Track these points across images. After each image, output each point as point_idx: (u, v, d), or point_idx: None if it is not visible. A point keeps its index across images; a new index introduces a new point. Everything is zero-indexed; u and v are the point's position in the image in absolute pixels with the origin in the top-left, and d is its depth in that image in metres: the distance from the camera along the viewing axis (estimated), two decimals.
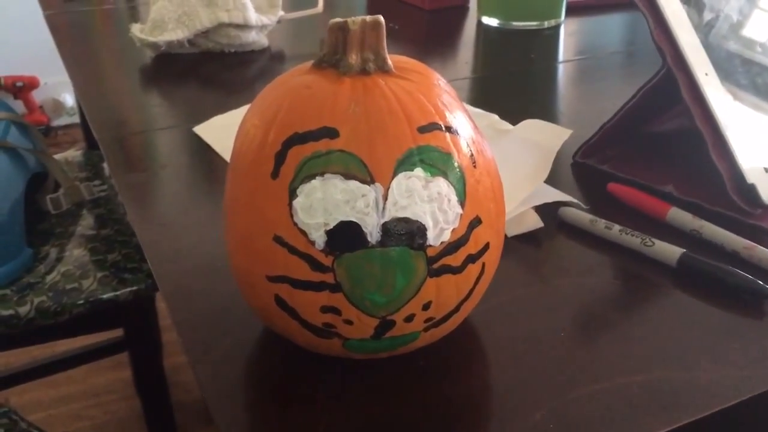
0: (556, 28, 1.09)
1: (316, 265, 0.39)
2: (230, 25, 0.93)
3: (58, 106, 2.75)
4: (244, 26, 0.94)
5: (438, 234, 0.40)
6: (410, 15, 1.17)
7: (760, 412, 0.45)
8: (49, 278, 1.04)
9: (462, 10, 1.17)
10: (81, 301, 1.02)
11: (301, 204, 0.39)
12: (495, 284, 0.52)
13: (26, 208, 1.07)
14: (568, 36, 1.09)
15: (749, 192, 0.58)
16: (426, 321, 0.42)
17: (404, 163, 0.39)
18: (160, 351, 1.25)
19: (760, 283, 0.50)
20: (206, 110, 0.80)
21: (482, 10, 1.10)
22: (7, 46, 2.53)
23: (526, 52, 1.02)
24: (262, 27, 0.97)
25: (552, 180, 0.63)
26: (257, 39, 0.97)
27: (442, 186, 0.40)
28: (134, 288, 1.06)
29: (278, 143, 0.40)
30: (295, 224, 0.39)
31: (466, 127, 0.42)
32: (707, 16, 0.62)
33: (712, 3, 0.62)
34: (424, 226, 0.39)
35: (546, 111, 0.83)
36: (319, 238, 0.39)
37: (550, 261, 0.56)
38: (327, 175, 0.39)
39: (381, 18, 0.42)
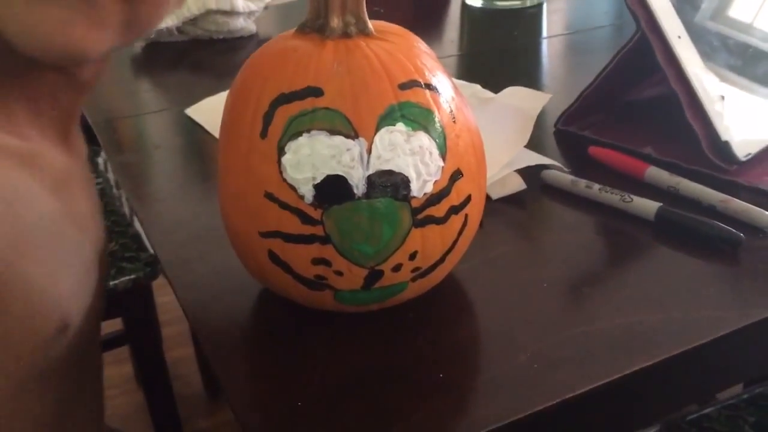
0: (539, 6, 1.11)
1: (305, 218, 0.41)
2: (218, 11, 0.95)
3: None
4: (232, 12, 0.96)
5: (421, 186, 0.42)
6: None
7: (732, 350, 0.47)
8: None
9: None
10: None
11: (290, 160, 0.41)
12: (481, 242, 0.54)
13: None
14: (552, 13, 1.11)
15: (724, 149, 0.60)
16: (413, 271, 0.44)
17: (386, 119, 0.41)
18: (160, 341, 1.26)
19: (734, 231, 0.52)
20: (197, 94, 0.82)
21: None
22: None
23: (510, 30, 1.04)
24: (250, 13, 0.98)
25: (535, 146, 0.65)
26: (245, 25, 0.99)
27: (424, 140, 0.42)
28: (132, 276, 1.08)
29: (266, 104, 0.42)
30: (285, 180, 0.41)
31: (446, 85, 0.44)
32: None
33: None
34: (407, 177, 0.41)
35: (530, 83, 0.85)
36: (308, 192, 0.41)
37: (533, 220, 0.59)
38: (313, 132, 0.41)
39: None
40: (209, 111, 0.76)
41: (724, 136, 0.60)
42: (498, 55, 0.97)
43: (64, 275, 0.45)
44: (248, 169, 0.42)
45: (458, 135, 0.44)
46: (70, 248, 0.46)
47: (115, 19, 0.39)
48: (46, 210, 0.43)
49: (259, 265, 0.45)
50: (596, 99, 0.69)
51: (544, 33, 1.06)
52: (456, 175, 0.43)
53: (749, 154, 0.61)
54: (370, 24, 0.45)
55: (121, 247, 1.10)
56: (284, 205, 0.41)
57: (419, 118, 0.42)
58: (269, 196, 0.42)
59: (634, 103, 0.72)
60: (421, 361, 0.44)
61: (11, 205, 0.40)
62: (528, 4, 1.09)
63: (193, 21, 0.97)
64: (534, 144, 0.65)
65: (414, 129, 0.41)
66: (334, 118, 0.40)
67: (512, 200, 0.60)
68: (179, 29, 0.97)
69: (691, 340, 0.44)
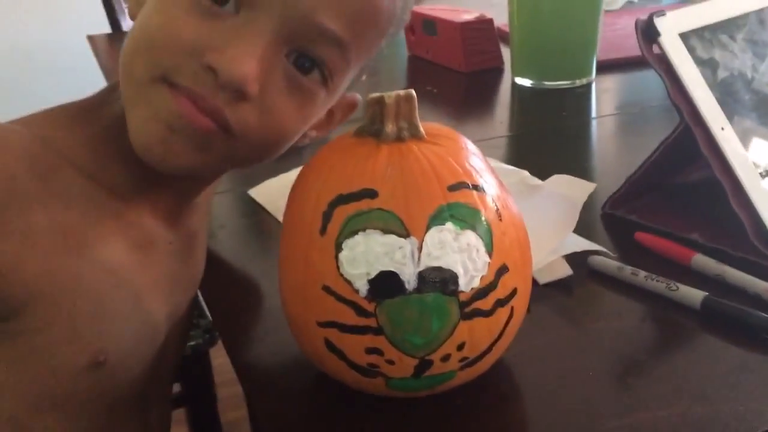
0: (588, 86, 1.14)
1: (360, 311, 0.44)
2: None
3: None
4: None
5: (468, 281, 0.44)
6: (448, 78, 1.23)
7: None
8: None
9: (497, 72, 1.23)
10: None
11: (346, 257, 0.44)
12: (528, 328, 0.56)
13: None
14: (601, 93, 1.14)
15: None
16: (461, 360, 0.46)
17: (436, 218, 0.44)
18: (215, 404, 1.30)
19: None
20: (259, 175, 0.86)
21: (516, 71, 1.16)
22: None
23: (559, 110, 1.07)
24: None
25: (583, 230, 0.67)
26: None
27: (471, 238, 0.45)
28: (192, 343, 1.12)
29: (325, 204, 0.45)
30: (341, 275, 0.44)
31: (492, 184, 0.47)
32: (722, 74, 0.66)
33: (725, 62, 0.66)
34: (455, 274, 0.44)
35: (579, 165, 0.88)
36: (363, 286, 0.44)
37: (580, 306, 0.60)
38: (368, 231, 0.44)
39: (413, 92, 0.47)
40: (270, 192, 0.81)
41: None
42: (547, 136, 0.99)
43: (111, 317, 0.50)
44: (308, 263, 0.46)
45: (504, 232, 0.46)
46: (126, 298, 0.52)
47: (218, 152, 0.51)
48: (110, 255, 0.51)
49: (315, 351, 0.48)
50: (643, 184, 0.71)
51: (594, 113, 1.09)
52: (502, 270, 0.46)
53: None
54: (422, 128, 0.48)
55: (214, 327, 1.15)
56: (340, 298, 0.45)
57: (467, 217, 0.45)
58: (326, 289, 0.45)
59: (682, 186, 0.74)
60: None
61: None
62: (577, 83, 1.12)
63: None
64: (582, 227, 0.67)
65: (462, 228, 0.44)
66: (387, 218, 0.44)
67: (559, 286, 0.62)
68: None
69: None
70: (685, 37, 0.66)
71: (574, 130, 1.01)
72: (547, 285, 0.62)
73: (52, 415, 0.50)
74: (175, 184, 0.57)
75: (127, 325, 0.52)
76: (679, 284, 0.58)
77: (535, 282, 0.62)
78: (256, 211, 0.80)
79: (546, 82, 1.13)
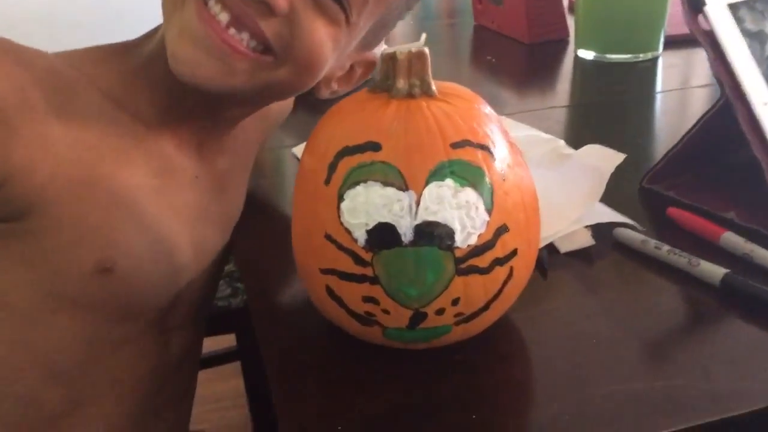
0: (653, 60, 1.10)
1: (358, 259, 0.46)
2: None
3: None
4: None
5: (465, 237, 0.45)
6: (511, 49, 1.22)
7: None
8: None
9: (561, 45, 1.21)
10: None
11: (347, 207, 0.46)
12: (542, 293, 0.57)
13: None
14: (667, 68, 1.11)
15: None
16: (456, 315, 0.47)
17: (436, 174, 0.45)
18: None
19: None
20: (307, 135, 0.89)
21: (579, 43, 1.14)
22: None
23: (621, 84, 1.05)
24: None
25: (619, 204, 0.66)
26: None
27: (471, 195, 0.45)
28: (245, 297, 1.17)
29: (332, 155, 0.47)
30: (342, 224, 0.46)
31: (500, 145, 0.48)
32: None
33: None
34: (452, 229, 0.45)
35: (633, 140, 0.86)
36: (361, 236, 0.45)
37: (598, 276, 0.60)
38: (369, 182, 0.45)
39: (425, 49, 0.48)
40: None
41: None
42: (604, 109, 0.98)
43: (119, 229, 0.55)
44: (313, 212, 0.48)
45: (507, 192, 0.47)
46: (138, 216, 0.56)
47: (247, 75, 0.54)
48: (126, 175, 0.55)
49: (319, 298, 0.50)
50: (683, 160, 0.69)
51: (658, 87, 1.06)
52: (502, 230, 0.46)
53: None
54: (434, 86, 0.49)
55: (238, 269, 1.19)
56: (340, 247, 0.46)
57: (468, 175, 0.45)
58: (328, 237, 0.47)
59: (724, 166, 0.72)
60: (457, 402, 0.47)
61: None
62: (641, 58, 1.09)
63: None
64: (618, 201, 0.66)
65: (462, 185, 0.45)
66: (388, 171, 0.45)
67: (581, 255, 0.62)
68: None
69: (728, 409, 0.44)
70: (734, 7, 0.63)
71: (635, 105, 0.99)
72: (569, 254, 0.62)
73: (64, 315, 0.54)
74: (201, 117, 0.60)
75: (137, 239, 0.56)
76: (700, 260, 0.57)
77: (555, 250, 0.62)
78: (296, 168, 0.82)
79: (609, 56, 1.10)
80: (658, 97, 1.03)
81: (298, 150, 0.84)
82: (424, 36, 1.05)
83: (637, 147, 0.83)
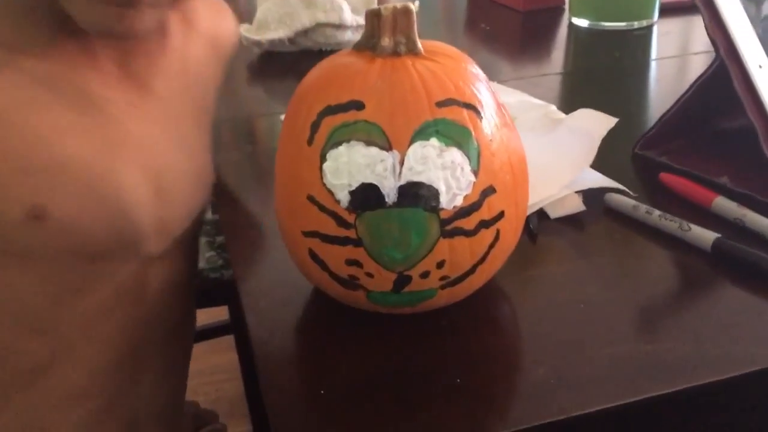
0: (648, 28, 1.09)
1: (341, 221, 0.45)
2: (327, 24, 1.01)
3: None
4: (340, 26, 1.01)
5: (451, 198, 0.44)
6: (506, 16, 1.20)
7: (760, 388, 0.46)
8: None
9: (556, 12, 1.19)
10: None
11: (329, 167, 0.44)
12: (531, 258, 0.56)
13: None
14: (662, 36, 1.09)
15: None
16: (441, 279, 0.46)
17: (421, 133, 0.44)
18: None
19: None
20: None
21: (573, 11, 1.12)
22: None
23: (615, 51, 1.03)
24: (358, 27, 1.03)
25: (613, 169, 0.65)
26: (353, 38, 1.04)
27: (456, 155, 0.44)
28: None
29: (314, 114, 0.45)
30: (325, 185, 0.45)
31: (488, 105, 0.46)
32: (767, 9, 0.62)
33: None
34: (437, 190, 0.44)
35: (628, 107, 0.85)
36: (344, 197, 0.44)
37: (588, 241, 0.59)
38: (352, 142, 0.44)
39: (411, 5, 0.47)
40: None
41: None
42: (598, 76, 0.96)
43: (45, 175, 0.53)
44: (296, 173, 0.46)
45: (493, 153, 0.45)
46: (65, 158, 0.54)
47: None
48: (40, 118, 0.53)
49: (302, 262, 0.49)
50: (676, 125, 0.68)
51: (653, 55, 1.04)
52: (488, 191, 0.45)
53: None
54: (420, 44, 0.47)
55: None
56: (323, 208, 0.45)
57: (453, 134, 0.44)
58: (311, 199, 0.45)
59: (718, 131, 0.71)
60: (443, 366, 0.46)
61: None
62: (636, 25, 1.07)
63: (305, 33, 1.03)
64: (612, 167, 0.65)
65: (447, 144, 0.44)
66: (371, 131, 0.44)
67: (572, 220, 0.61)
68: (291, 40, 1.03)
69: (715, 373, 0.44)
70: None
71: (629, 72, 0.97)
72: (560, 219, 0.61)
73: (13, 268, 0.54)
74: (110, 38, 0.57)
75: (68, 183, 0.54)
76: (692, 225, 0.56)
77: (546, 215, 0.61)
78: None
79: (604, 23, 1.08)
80: (653, 65, 1.01)
81: None
82: (417, 2, 1.02)
83: (630, 114, 0.82)
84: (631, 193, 0.62)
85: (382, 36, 0.47)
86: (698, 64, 0.99)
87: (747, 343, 0.46)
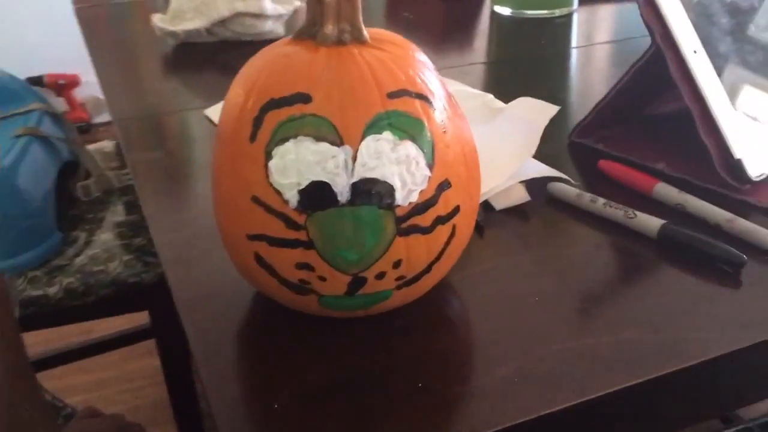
0: (569, 16, 1.10)
1: (290, 223, 0.42)
2: (246, 14, 0.97)
3: (99, 104, 2.83)
4: (260, 15, 0.97)
5: (406, 195, 0.42)
6: (428, 4, 1.19)
7: (723, 374, 0.46)
8: (77, 261, 1.08)
9: (478, 0, 1.19)
10: (107, 283, 1.06)
11: (276, 165, 0.41)
12: (479, 252, 0.54)
13: (58, 195, 1.12)
14: (583, 24, 1.10)
15: (736, 167, 0.59)
16: (397, 279, 0.44)
17: (373, 127, 0.41)
18: (184, 336, 1.28)
19: (736, 252, 0.51)
20: (220, 95, 0.83)
21: (495, 0, 1.12)
22: (50, 44, 2.61)
23: (537, 39, 1.04)
24: (278, 16, 1.00)
25: (549, 159, 0.64)
26: (273, 28, 1.00)
27: (411, 149, 0.42)
28: (159, 271, 1.10)
29: (256, 109, 0.42)
30: (271, 184, 0.42)
31: (439, 95, 0.44)
32: None
33: None
34: (392, 186, 0.41)
35: (554, 94, 0.84)
36: (293, 197, 0.41)
37: (535, 232, 0.58)
38: (300, 138, 0.41)
39: None
40: None
41: (738, 153, 0.59)
42: (524, 64, 0.96)
43: None
44: (237, 173, 0.43)
45: (448, 145, 0.44)
46: None
47: None
48: None
49: (247, 267, 0.45)
50: (611, 112, 0.68)
51: (574, 43, 1.05)
52: (444, 186, 0.43)
53: (762, 174, 0.59)
54: (366, 32, 0.45)
55: (149, 242, 1.13)
56: (270, 209, 0.42)
57: (407, 127, 0.42)
58: (256, 200, 0.42)
59: (652, 117, 0.71)
60: (402, 369, 0.44)
61: None
62: (557, 13, 1.08)
63: (223, 23, 0.98)
64: (548, 156, 0.64)
65: (401, 138, 0.42)
66: (320, 125, 0.41)
67: (516, 212, 0.60)
68: (209, 30, 0.99)
69: (676, 361, 0.43)
70: None
71: (552, 60, 0.98)
72: (504, 211, 0.60)
73: None
74: None
75: None
76: (637, 212, 0.56)
77: (491, 207, 0.60)
78: (211, 131, 0.77)
79: (526, 11, 1.08)
80: (575, 53, 1.02)
81: (212, 111, 0.78)
82: None
83: (558, 101, 0.81)
84: (574, 182, 0.62)
85: (325, 23, 0.44)
86: (614, 51, 1.00)
87: (704, 329, 0.46)
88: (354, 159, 0.41)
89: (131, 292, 1.09)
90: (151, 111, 0.84)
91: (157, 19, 0.98)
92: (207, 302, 0.50)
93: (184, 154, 0.73)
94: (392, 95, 0.42)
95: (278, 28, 1.01)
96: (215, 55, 0.99)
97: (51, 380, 1.64)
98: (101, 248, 1.11)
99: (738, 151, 0.59)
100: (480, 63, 0.98)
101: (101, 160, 1.35)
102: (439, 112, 0.44)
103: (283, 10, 1.00)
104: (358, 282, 0.43)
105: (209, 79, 0.93)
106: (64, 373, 1.58)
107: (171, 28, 0.97)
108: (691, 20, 0.61)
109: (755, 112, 0.63)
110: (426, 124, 0.43)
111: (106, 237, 1.14)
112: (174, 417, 1.37)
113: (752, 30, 0.66)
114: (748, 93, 0.63)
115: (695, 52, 0.60)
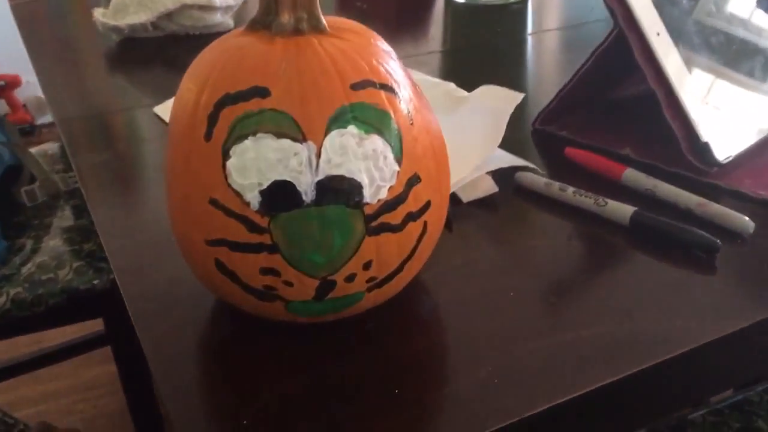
0: (524, 2, 1.08)
1: (252, 226, 0.39)
2: (194, 6, 0.93)
3: (42, 104, 2.73)
4: (208, 7, 0.93)
5: (375, 192, 0.40)
6: None
7: (704, 363, 0.45)
8: (24, 270, 1.03)
9: None
10: (57, 292, 1.02)
11: (235, 165, 0.39)
12: (448, 248, 0.52)
13: (1, 201, 1.07)
14: (539, 9, 1.09)
15: (703, 150, 0.58)
16: (368, 281, 0.42)
17: (337, 121, 0.39)
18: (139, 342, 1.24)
19: (710, 237, 0.50)
20: (170, 92, 0.79)
21: None
22: None
23: (494, 27, 1.02)
24: (227, 8, 0.96)
25: (513, 147, 0.63)
26: (222, 20, 0.96)
27: (378, 143, 0.39)
28: (111, 276, 1.06)
29: (210, 105, 0.39)
30: (230, 186, 0.39)
31: (404, 85, 0.42)
32: None
33: None
34: (359, 183, 0.39)
35: (513, 81, 0.83)
36: (254, 198, 0.39)
37: (505, 225, 0.56)
38: (259, 135, 0.38)
39: None
40: None
41: (705, 137, 0.58)
42: (481, 52, 0.94)
43: None
44: (193, 174, 0.40)
45: (416, 138, 0.41)
46: None
47: None
48: None
49: (207, 275, 0.43)
50: (575, 98, 0.67)
51: (530, 29, 1.04)
52: (413, 181, 0.41)
53: (729, 156, 0.59)
54: (324, 20, 0.42)
55: (99, 247, 1.08)
56: (230, 213, 0.39)
57: (373, 120, 0.39)
58: (214, 203, 0.39)
59: (616, 102, 0.70)
60: (376, 376, 0.42)
61: None
62: (511, 0, 1.07)
63: (169, 16, 0.94)
64: (511, 144, 0.63)
65: (367, 132, 0.39)
66: (280, 120, 0.38)
67: (484, 203, 0.58)
68: (154, 24, 0.95)
69: (658, 353, 0.42)
70: None
71: (509, 47, 0.96)
72: (471, 203, 0.58)
73: None
74: None
75: None
76: (608, 200, 0.54)
77: (458, 200, 0.58)
78: (161, 130, 0.73)
79: None
80: (530, 39, 1.01)
81: (162, 109, 0.75)
82: None
83: (517, 89, 0.80)
84: (541, 171, 0.60)
85: (281, 12, 0.41)
86: (576, 36, 0.99)
87: (683, 317, 0.45)
88: (318, 155, 0.38)
89: (83, 299, 1.05)
90: (97, 110, 0.80)
91: (99, 14, 0.94)
92: (164, 314, 0.47)
93: (133, 156, 0.70)
94: (356, 86, 0.40)
95: (227, 20, 0.98)
96: (162, 50, 0.95)
97: (2, 393, 1.58)
98: (49, 255, 1.06)
99: (705, 134, 0.58)
100: (437, 52, 0.96)
101: (46, 163, 1.30)
102: (406, 103, 0.41)
103: (232, 1, 0.96)
104: (326, 285, 0.41)
105: (157, 75, 0.89)
106: (16, 384, 1.52)
107: (114, 22, 0.93)
108: (653, 2, 0.60)
109: (716, 98, 0.62)
110: (393, 116, 0.40)
111: (54, 243, 1.09)
112: (134, 425, 1.33)
113: (697, 14, 0.66)
114: (724, 71, 0.63)
115: (658, 34, 0.59)
